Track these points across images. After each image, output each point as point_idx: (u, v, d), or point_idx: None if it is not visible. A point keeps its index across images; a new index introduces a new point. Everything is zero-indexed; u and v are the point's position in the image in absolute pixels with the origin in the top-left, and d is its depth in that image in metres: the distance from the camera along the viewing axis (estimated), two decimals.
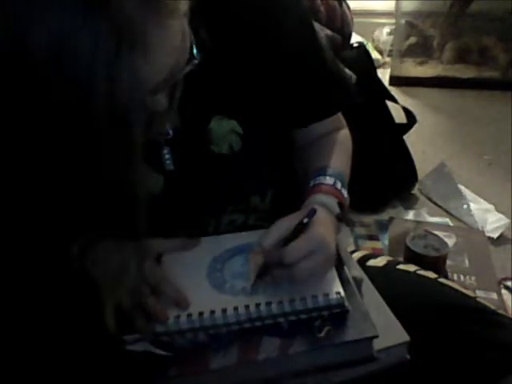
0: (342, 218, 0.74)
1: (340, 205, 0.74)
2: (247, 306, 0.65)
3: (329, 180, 0.75)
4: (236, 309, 0.65)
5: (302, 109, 0.79)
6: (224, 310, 0.65)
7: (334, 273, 0.69)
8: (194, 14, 0.54)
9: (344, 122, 0.86)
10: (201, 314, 0.65)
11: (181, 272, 0.71)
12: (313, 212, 0.69)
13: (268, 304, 0.65)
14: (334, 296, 0.65)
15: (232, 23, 0.70)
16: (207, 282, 0.71)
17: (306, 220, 0.68)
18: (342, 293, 0.65)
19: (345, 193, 0.76)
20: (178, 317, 0.65)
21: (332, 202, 0.73)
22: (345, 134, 0.85)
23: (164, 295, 0.67)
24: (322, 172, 0.76)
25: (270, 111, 0.75)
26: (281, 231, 0.67)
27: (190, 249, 0.75)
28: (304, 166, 0.81)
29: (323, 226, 0.68)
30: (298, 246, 0.65)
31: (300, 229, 0.67)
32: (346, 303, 0.65)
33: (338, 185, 0.75)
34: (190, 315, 0.65)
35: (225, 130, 0.73)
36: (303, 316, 0.66)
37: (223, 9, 0.69)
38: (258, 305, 0.65)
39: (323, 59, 0.79)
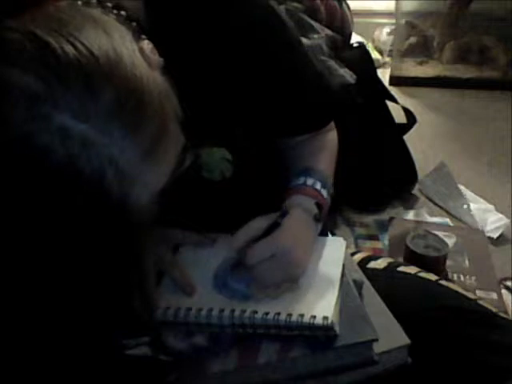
0: (319, 219, 0.74)
1: (318, 205, 0.74)
2: (233, 311, 0.66)
3: (308, 181, 0.75)
4: (233, 311, 0.65)
5: (289, 127, 0.79)
6: (222, 310, 0.65)
7: (332, 296, 0.67)
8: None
9: (332, 123, 0.85)
10: (200, 310, 0.66)
11: (191, 267, 0.73)
12: (284, 213, 0.70)
13: (254, 312, 0.65)
14: (319, 320, 0.63)
15: (219, 53, 0.69)
16: (211, 282, 0.71)
17: (279, 220, 0.69)
18: (331, 318, 0.63)
19: (324, 193, 0.76)
20: (178, 309, 0.67)
21: (309, 203, 0.73)
22: (330, 136, 0.84)
23: (172, 283, 0.70)
24: (302, 173, 0.76)
25: (258, 135, 0.76)
26: (250, 232, 0.69)
27: (205, 247, 0.77)
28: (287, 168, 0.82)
29: (291, 230, 0.69)
30: (258, 249, 0.66)
31: (271, 230, 0.68)
32: (336, 328, 0.64)
33: (318, 185, 0.75)
34: (189, 309, 0.66)
35: (216, 158, 0.75)
36: (284, 332, 0.65)
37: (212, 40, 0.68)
38: (243, 311, 0.65)
39: (307, 75, 0.79)
